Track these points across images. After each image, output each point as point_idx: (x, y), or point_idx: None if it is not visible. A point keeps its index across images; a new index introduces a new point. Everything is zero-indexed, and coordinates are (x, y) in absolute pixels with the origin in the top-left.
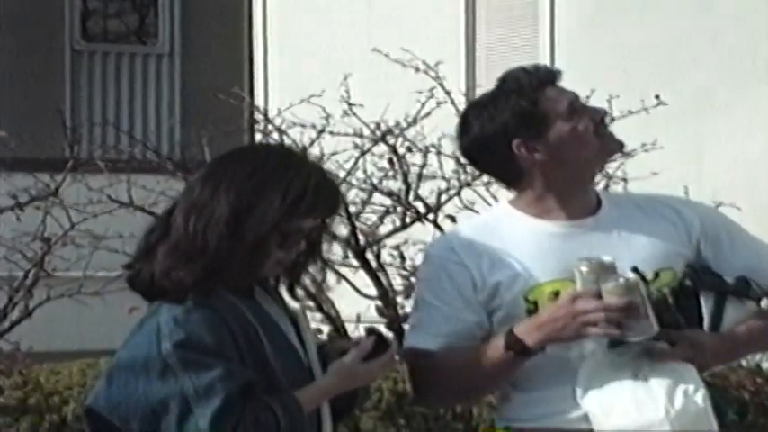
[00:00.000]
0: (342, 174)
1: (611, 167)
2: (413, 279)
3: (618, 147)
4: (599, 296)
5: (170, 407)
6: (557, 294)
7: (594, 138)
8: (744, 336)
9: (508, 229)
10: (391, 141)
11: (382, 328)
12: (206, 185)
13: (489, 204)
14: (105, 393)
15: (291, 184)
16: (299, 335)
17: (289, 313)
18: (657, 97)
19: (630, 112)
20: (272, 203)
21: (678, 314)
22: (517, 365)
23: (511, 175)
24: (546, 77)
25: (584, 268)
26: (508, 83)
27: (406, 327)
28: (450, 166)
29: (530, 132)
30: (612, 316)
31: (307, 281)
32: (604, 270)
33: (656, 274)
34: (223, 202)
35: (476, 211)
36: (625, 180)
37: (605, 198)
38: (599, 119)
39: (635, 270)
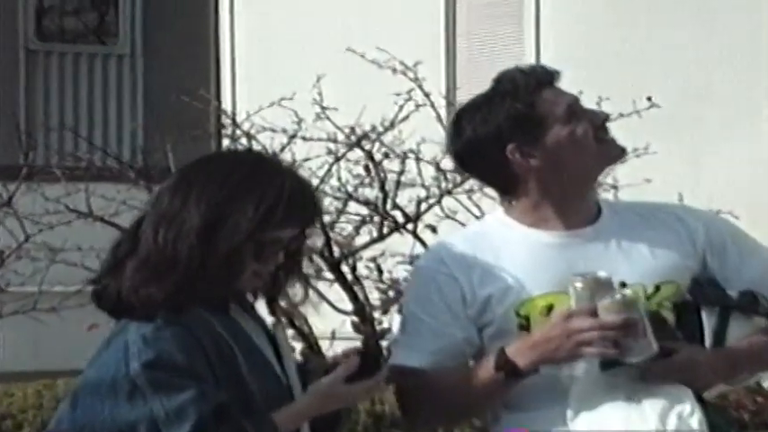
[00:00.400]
0: (315, 181)
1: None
2: (390, 293)
3: (620, 153)
4: (595, 314)
5: (138, 431)
6: (550, 309)
7: (594, 143)
8: (745, 352)
9: (501, 240)
10: (367, 147)
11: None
12: (175, 195)
13: (472, 213)
14: (70, 417)
15: (265, 192)
16: (276, 352)
17: (266, 330)
18: (650, 99)
19: (621, 115)
20: (245, 213)
21: (677, 331)
22: (509, 387)
23: (505, 182)
24: (543, 78)
25: (578, 284)
26: (503, 84)
27: (383, 343)
28: (429, 172)
29: (525, 137)
30: (609, 335)
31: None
32: (600, 286)
33: (657, 288)
34: (194, 213)
35: (457, 221)
36: (615, 187)
37: (606, 207)
38: (599, 123)
39: (623, 285)
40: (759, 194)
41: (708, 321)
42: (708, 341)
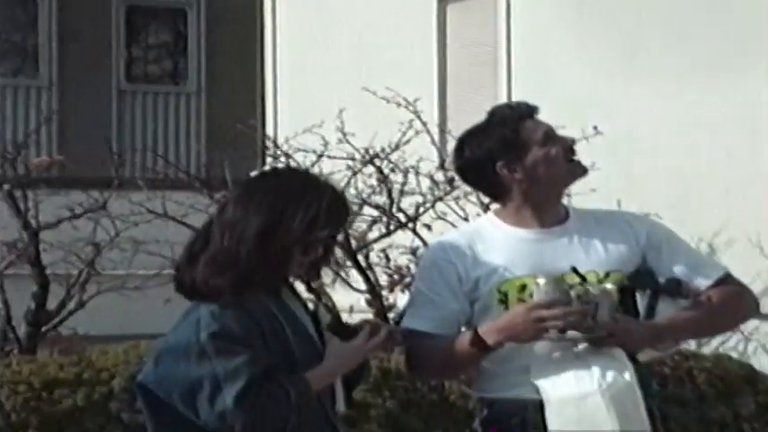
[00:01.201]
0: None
1: None
2: (395, 276)
3: (582, 171)
4: (550, 306)
5: (204, 385)
6: (523, 287)
7: (564, 162)
8: (668, 325)
9: (490, 235)
10: (378, 163)
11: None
12: (237, 207)
13: (458, 215)
14: (153, 372)
15: (311, 204)
16: (316, 327)
17: (306, 307)
18: (595, 128)
19: (574, 141)
20: (294, 220)
21: (619, 306)
22: (480, 357)
23: (495, 191)
24: (526, 112)
25: (540, 281)
26: (495, 116)
27: (390, 315)
28: (426, 183)
29: (511, 156)
30: (558, 324)
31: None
32: (556, 284)
33: (607, 274)
34: (252, 222)
35: (447, 221)
36: (569, 195)
37: (572, 211)
38: (569, 146)
39: (574, 270)
40: (678, 200)
41: (641, 301)
42: (641, 316)
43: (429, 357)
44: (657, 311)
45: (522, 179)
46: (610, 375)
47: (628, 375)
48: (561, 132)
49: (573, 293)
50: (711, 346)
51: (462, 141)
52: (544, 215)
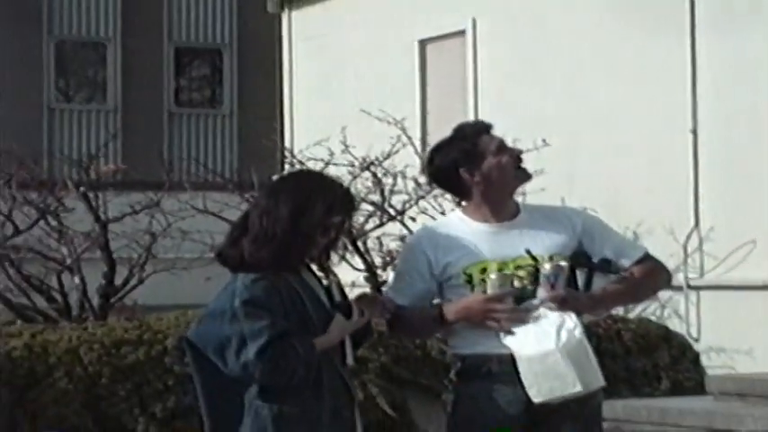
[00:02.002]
0: None
1: None
2: (387, 258)
3: (527, 177)
4: (500, 299)
5: (232, 341)
6: (484, 270)
7: (513, 169)
8: (601, 295)
9: (457, 228)
10: (373, 169)
11: (368, 291)
12: (270, 199)
13: (436, 210)
14: (196, 330)
15: (327, 195)
16: (330, 299)
17: (321, 282)
18: (544, 140)
19: (528, 150)
20: (315, 208)
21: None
22: (442, 328)
23: (459, 192)
24: (483, 128)
25: (493, 276)
26: (458, 131)
27: (384, 289)
28: (411, 185)
29: (470, 164)
30: (506, 318)
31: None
32: (506, 278)
33: (551, 257)
34: (283, 208)
35: (428, 215)
36: (524, 194)
37: (523, 208)
38: (517, 156)
39: (528, 252)
40: (609, 198)
41: (580, 277)
42: (580, 288)
43: (405, 323)
44: (593, 285)
45: (479, 182)
46: (564, 335)
47: (578, 333)
48: (517, 144)
49: (516, 283)
50: (636, 311)
51: (432, 153)
52: (499, 211)
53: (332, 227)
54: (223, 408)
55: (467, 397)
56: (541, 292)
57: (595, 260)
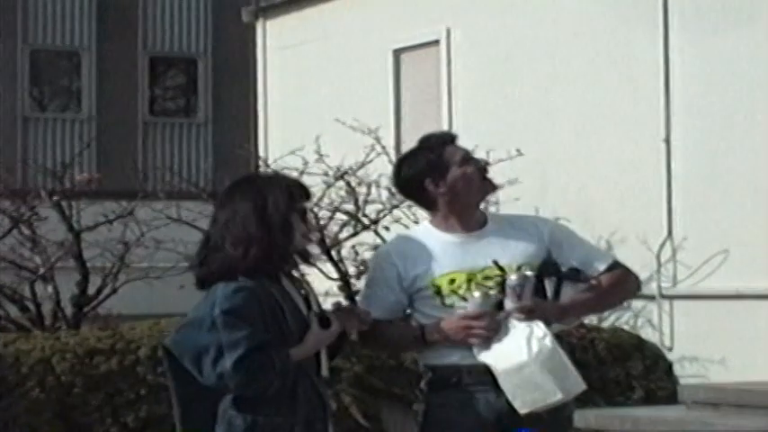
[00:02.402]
0: (315, 200)
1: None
2: (361, 268)
3: (492, 188)
4: (479, 317)
5: (209, 350)
6: (452, 281)
7: (479, 180)
8: (570, 304)
9: (425, 240)
10: (347, 179)
11: (341, 300)
12: (225, 208)
13: (410, 219)
14: (174, 337)
15: (281, 182)
16: (308, 307)
17: (300, 292)
18: (518, 150)
19: (501, 160)
20: (276, 194)
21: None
22: (421, 347)
23: (425, 203)
24: (447, 138)
25: (476, 293)
26: (423, 142)
27: (357, 298)
28: (385, 194)
29: (435, 175)
30: (482, 333)
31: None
32: (486, 297)
33: (519, 267)
34: (242, 208)
35: (402, 224)
36: (497, 203)
37: (490, 217)
38: (482, 167)
39: (495, 263)
40: (583, 207)
41: (548, 286)
42: (549, 298)
43: (380, 337)
44: (561, 294)
45: (445, 193)
46: (534, 345)
47: (548, 341)
48: (491, 154)
49: (494, 293)
50: (609, 321)
51: (399, 163)
52: (466, 222)
53: (301, 212)
54: (197, 416)
55: (438, 406)
56: (508, 303)
57: (564, 269)
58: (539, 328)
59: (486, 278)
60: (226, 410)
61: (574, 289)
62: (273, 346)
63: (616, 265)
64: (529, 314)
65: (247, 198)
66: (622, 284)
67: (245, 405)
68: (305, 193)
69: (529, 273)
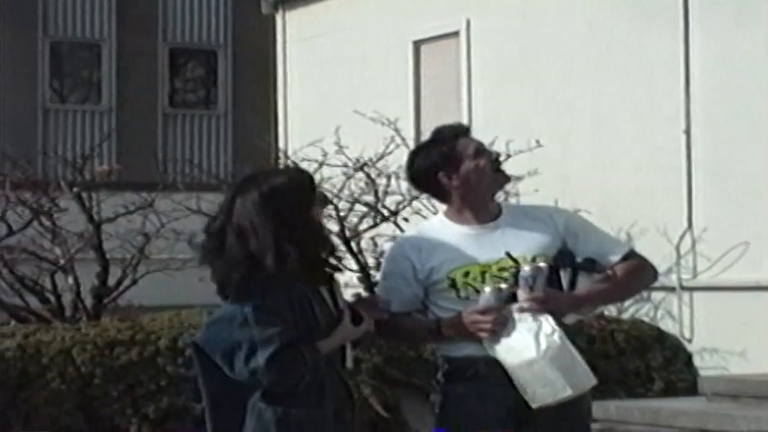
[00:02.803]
0: (335, 191)
1: (508, 187)
2: (381, 259)
3: (506, 180)
4: (489, 312)
5: (242, 347)
6: (467, 273)
7: (491, 172)
8: (586, 294)
9: (440, 232)
10: (367, 170)
11: (361, 291)
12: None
13: (429, 210)
14: (204, 334)
15: (301, 182)
16: (334, 300)
17: (327, 286)
18: (537, 142)
19: (521, 151)
20: (297, 195)
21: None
22: (438, 340)
23: (439, 195)
24: (460, 130)
25: (487, 289)
26: (436, 134)
27: (376, 290)
28: (404, 185)
29: (448, 167)
30: (490, 327)
31: None
32: (499, 291)
33: (534, 258)
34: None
35: (422, 215)
36: (517, 195)
37: (505, 208)
38: (494, 159)
39: (508, 254)
40: (603, 199)
41: (564, 277)
42: (564, 289)
43: (397, 329)
44: (577, 285)
45: (458, 185)
46: (543, 341)
47: (557, 336)
48: (511, 145)
49: (505, 287)
50: (629, 312)
51: (412, 156)
52: (480, 214)
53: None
54: (227, 413)
55: (454, 397)
56: (521, 295)
57: (579, 260)
58: (547, 323)
59: (501, 270)
60: (255, 404)
61: (590, 279)
62: (304, 341)
63: (632, 255)
64: (542, 305)
65: (290, 209)
66: (638, 274)
67: (275, 398)
68: (322, 196)
69: (542, 264)
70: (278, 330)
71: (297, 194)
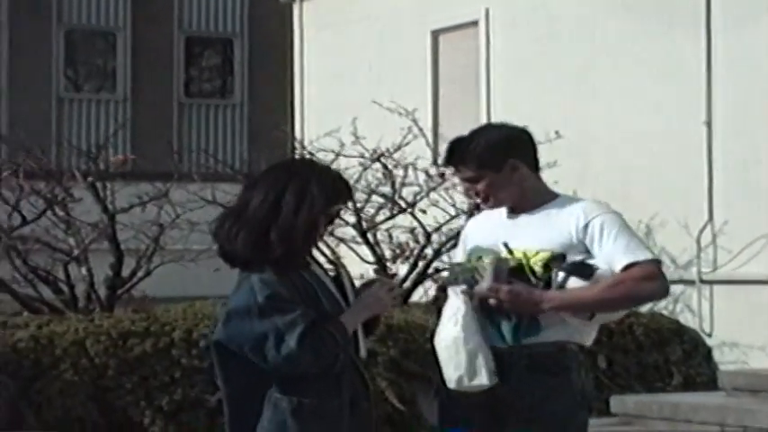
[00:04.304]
0: (351, 182)
1: None
2: (397, 251)
3: None
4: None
5: (269, 337)
6: (479, 258)
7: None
8: (553, 296)
9: (489, 219)
10: (383, 161)
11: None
12: (270, 190)
13: (447, 202)
14: (224, 332)
15: (325, 184)
16: (340, 288)
17: (329, 275)
18: (557, 133)
19: (540, 142)
20: (316, 196)
21: (539, 281)
22: None
23: (500, 176)
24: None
25: (486, 260)
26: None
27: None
28: (422, 177)
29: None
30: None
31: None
32: (502, 260)
33: (537, 252)
34: (289, 200)
35: (439, 207)
36: None
37: (560, 198)
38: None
39: (505, 245)
40: (623, 190)
41: (554, 276)
42: (553, 287)
43: None
44: (567, 287)
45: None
46: (450, 327)
47: (456, 329)
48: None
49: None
50: (647, 306)
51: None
52: (527, 202)
53: (334, 216)
54: (247, 410)
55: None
56: (481, 284)
57: (569, 263)
58: (459, 311)
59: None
60: (271, 394)
61: (582, 282)
62: (326, 320)
63: (636, 265)
64: (496, 296)
65: (293, 191)
66: (626, 285)
67: (290, 387)
68: (347, 195)
69: (486, 261)
70: (299, 313)
71: (332, 196)
